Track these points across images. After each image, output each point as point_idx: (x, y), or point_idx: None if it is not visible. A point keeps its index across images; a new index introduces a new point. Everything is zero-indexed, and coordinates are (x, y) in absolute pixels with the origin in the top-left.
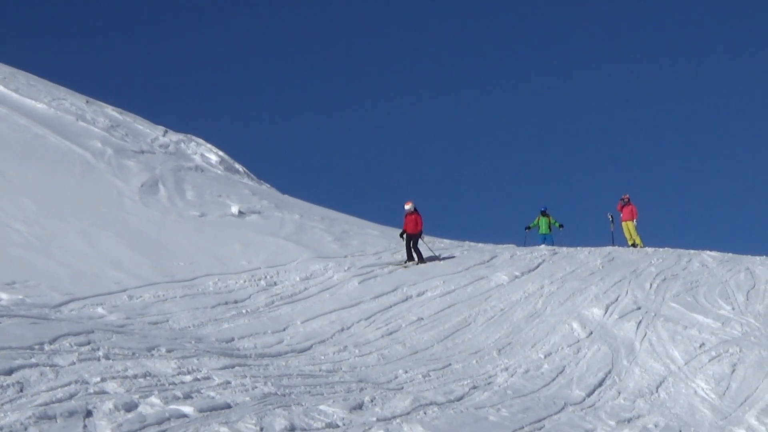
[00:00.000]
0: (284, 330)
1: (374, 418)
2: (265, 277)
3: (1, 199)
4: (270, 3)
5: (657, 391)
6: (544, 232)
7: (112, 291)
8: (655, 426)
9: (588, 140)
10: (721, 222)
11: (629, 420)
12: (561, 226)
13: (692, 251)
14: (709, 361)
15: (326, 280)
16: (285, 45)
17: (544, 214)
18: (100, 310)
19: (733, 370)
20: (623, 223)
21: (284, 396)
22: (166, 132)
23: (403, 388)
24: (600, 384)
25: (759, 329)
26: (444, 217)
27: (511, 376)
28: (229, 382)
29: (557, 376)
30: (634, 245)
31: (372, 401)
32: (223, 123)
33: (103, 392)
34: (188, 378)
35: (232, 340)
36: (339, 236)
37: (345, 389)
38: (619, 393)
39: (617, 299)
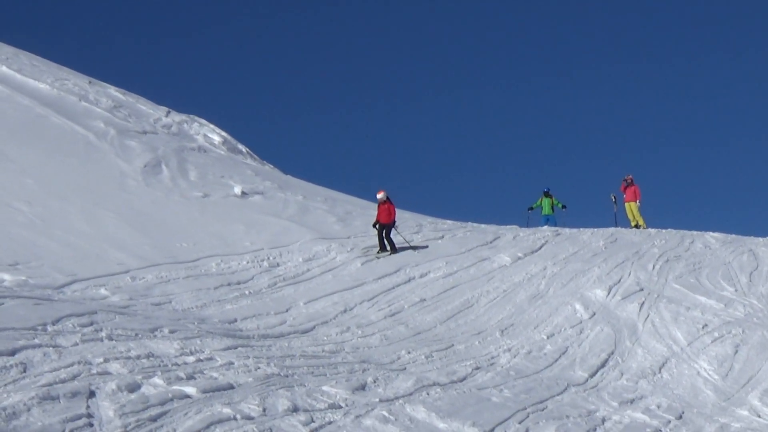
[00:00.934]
0: (287, 311)
1: (377, 399)
2: (268, 258)
3: (3, 180)
4: None
5: (660, 372)
6: (546, 212)
7: (114, 272)
8: (658, 407)
9: (591, 121)
10: (724, 203)
11: (632, 401)
12: (564, 206)
13: (695, 232)
14: (712, 342)
15: (329, 261)
16: (288, 25)
17: (546, 194)
18: (102, 291)
19: (736, 351)
20: (626, 204)
21: (287, 377)
22: (168, 112)
23: (405, 368)
24: (603, 365)
25: (762, 310)
26: (447, 197)
27: (514, 357)
28: (232, 363)
29: (560, 357)
30: (637, 226)
31: (375, 382)
32: (225, 103)
33: (106, 373)
34: (191, 359)
35: (235, 321)
36: (342, 217)
37: (348, 370)
38: (622, 374)
39: (620, 280)
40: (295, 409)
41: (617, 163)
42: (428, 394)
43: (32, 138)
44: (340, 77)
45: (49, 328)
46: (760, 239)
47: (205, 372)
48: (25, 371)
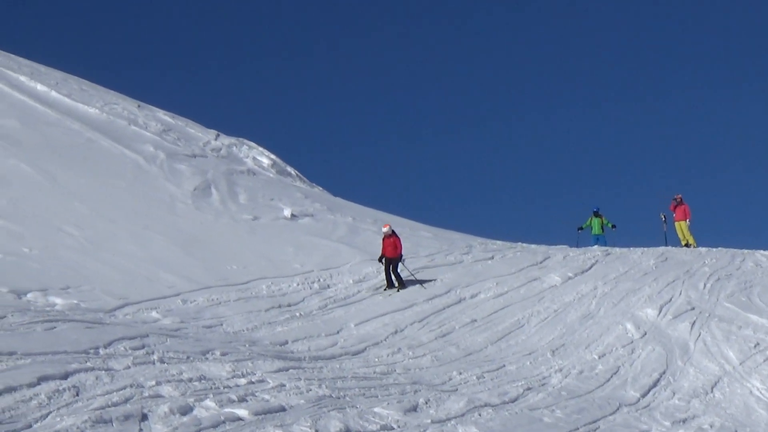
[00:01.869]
0: (338, 333)
1: (429, 420)
2: (319, 279)
3: (53, 204)
4: (321, 5)
5: (712, 392)
6: (596, 232)
7: (165, 295)
8: (711, 426)
9: (641, 140)
10: None
11: (684, 420)
12: (614, 226)
13: (746, 251)
14: (765, 360)
15: (379, 282)
16: (337, 50)
17: (596, 214)
18: (154, 314)
19: None
20: (676, 223)
21: (339, 398)
22: (218, 136)
23: (457, 389)
24: (654, 384)
25: None
26: (497, 218)
27: (566, 377)
28: (283, 385)
29: (611, 376)
30: (687, 245)
31: (426, 403)
32: (274, 126)
33: (158, 396)
34: (243, 381)
35: (286, 343)
36: None
37: (399, 391)
38: (674, 393)
39: (671, 299)
40: (347, 431)
41: (667, 183)
42: (480, 415)
43: (82, 162)
44: (390, 99)
45: (101, 352)
46: None
47: (256, 394)
48: (77, 395)
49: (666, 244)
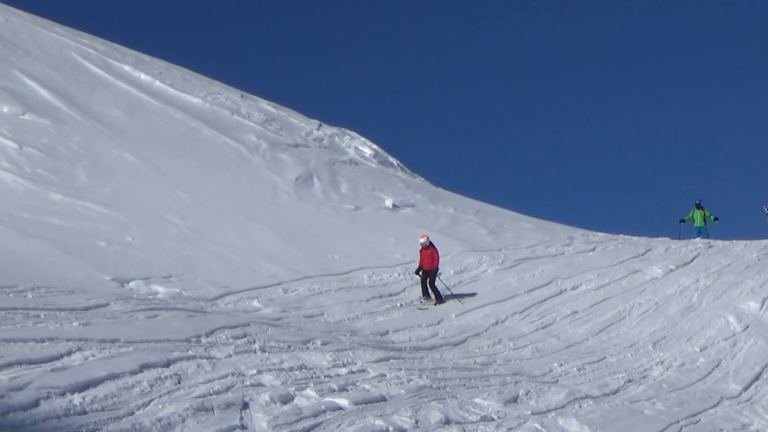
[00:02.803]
0: (438, 323)
1: (529, 412)
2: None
3: (157, 193)
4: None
5: None
6: (699, 225)
7: (267, 284)
8: None
9: (743, 133)
10: None
11: None
12: (716, 219)
13: None
14: None
15: (480, 273)
16: (436, 38)
17: (698, 207)
18: (255, 303)
19: None
20: None
21: (439, 389)
22: (320, 125)
23: (557, 381)
24: (757, 378)
25: None
26: (598, 209)
27: (667, 369)
28: (384, 375)
29: (713, 369)
30: None
31: (527, 394)
32: (377, 116)
33: (260, 384)
34: (343, 371)
35: (387, 333)
36: (493, 229)
37: (499, 382)
38: None
39: None
40: (447, 422)
41: None
42: (581, 406)
43: (185, 151)
44: (493, 89)
45: (203, 340)
46: None
47: (357, 384)
48: (179, 383)
49: None
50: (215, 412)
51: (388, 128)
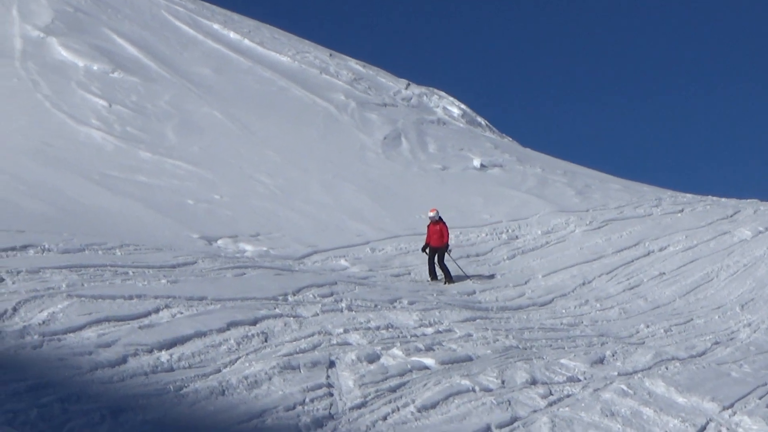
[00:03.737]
0: (525, 283)
1: (615, 373)
2: (507, 230)
3: (246, 152)
4: None
5: None
6: None
7: (354, 243)
8: None
9: None
10: None
11: None
12: None
13: None
14: None
15: (568, 234)
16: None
17: None
18: (342, 262)
19: None
20: None
21: (525, 349)
22: (408, 85)
23: (644, 342)
24: None
25: None
26: (687, 171)
27: (754, 332)
28: (470, 335)
29: None
30: None
31: (613, 355)
32: (465, 76)
33: (346, 343)
34: (430, 330)
35: (474, 293)
36: (581, 190)
37: (586, 343)
38: None
39: None
40: (533, 382)
41: None
42: (667, 368)
43: (274, 110)
44: (583, 49)
45: (290, 299)
46: None
47: (443, 344)
48: (266, 341)
49: None
50: (301, 371)
51: (476, 88)
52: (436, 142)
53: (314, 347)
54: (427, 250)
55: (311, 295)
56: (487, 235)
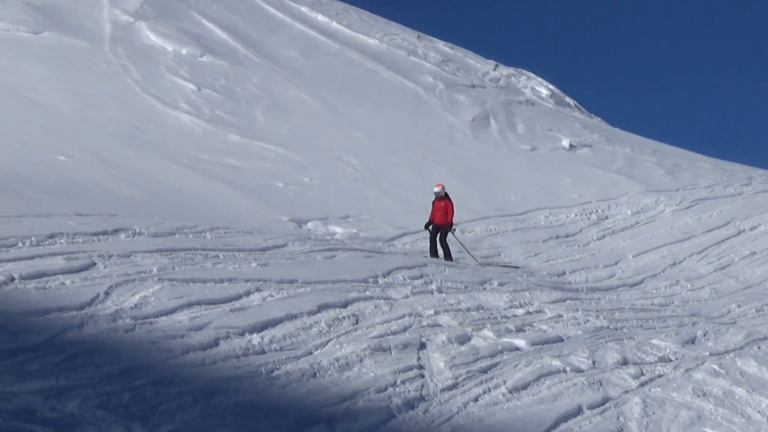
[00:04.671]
0: (616, 264)
1: (707, 353)
2: (596, 210)
3: (334, 133)
4: None
5: None
6: None
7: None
8: None
9: None
10: None
11: None
12: None
13: None
14: None
15: (658, 213)
16: None
17: None
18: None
19: None
20: None
21: (616, 330)
22: (496, 66)
23: (736, 322)
24: None
25: None
26: None
27: None
28: (561, 316)
29: None
30: None
31: (704, 335)
32: (553, 56)
33: (437, 325)
34: (520, 311)
35: (564, 273)
36: (671, 169)
37: (677, 323)
38: None
39: None
40: (624, 362)
41: None
42: (759, 348)
43: (362, 92)
44: (670, 26)
45: (380, 281)
46: None
47: (534, 324)
48: (357, 323)
49: None
50: (392, 353)
51: (564, 68)
52: (525, 122)
53: (405, 329)
54: (430, 228)
55: (401, 277)
56: (576, 215)
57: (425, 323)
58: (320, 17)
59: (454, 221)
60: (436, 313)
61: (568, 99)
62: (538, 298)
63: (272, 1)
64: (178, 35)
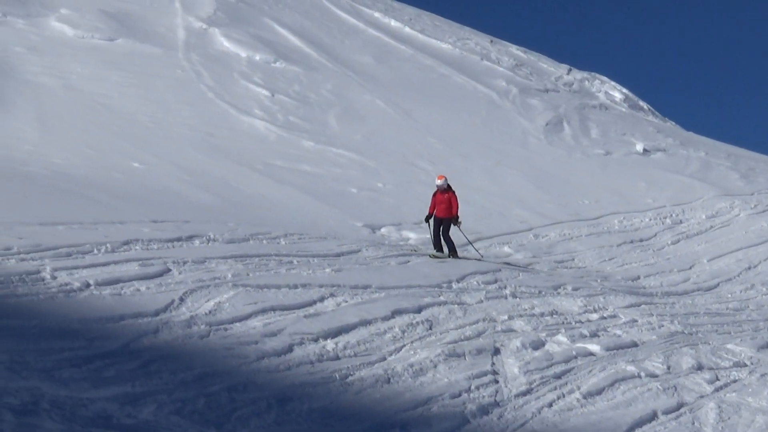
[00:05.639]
0: (690, 268)
1: None
2: (671, 215)
3: (407, 139)
4: None
5: None
6: None
7: (517, 230)
8: None
9: None
10: None
11: None
12: None
13: None
14: None
15: (732, 217)
16: None
17: None
18: (506, 248)
19: None
20: None
21: (691, 335)
22: (570, 70)
23: None
24: None
25: None
26: None
27: None
28: (635, 321)
29: None
30: None
31: None
32: (627, 61)
33: (511, 330)
34: (594, 316)
35: (638, 278)
36: (745, 173)
37: (752, 328)
38: None
39: None
40: (699, 367)
41: None
42: None
43: (435, 97)
44: (746, 31)
45: (454, 286)
46: None
47: (608, 329)
48: (431, 328)
49: None
50: (467, 358)
51: (638, 72)
52: (599, 127)
53: (479, 334)
54: (431, 221)
55: (475, 282)
56: (650, 219)
57: (499, 328)
58: (393, 22)
59: (459, 214)
60: (510, 318)
61: (641, 103)
62: (613, 302)
63: (345, 7)
64: (252, 41)
